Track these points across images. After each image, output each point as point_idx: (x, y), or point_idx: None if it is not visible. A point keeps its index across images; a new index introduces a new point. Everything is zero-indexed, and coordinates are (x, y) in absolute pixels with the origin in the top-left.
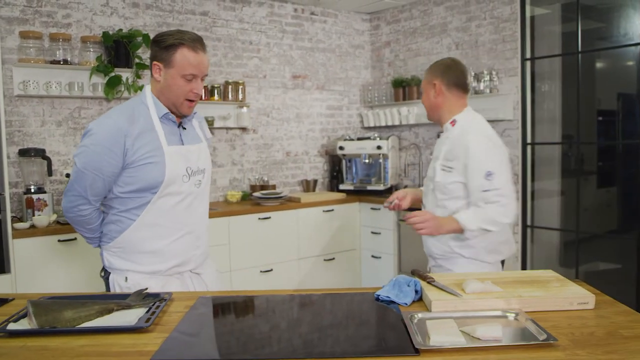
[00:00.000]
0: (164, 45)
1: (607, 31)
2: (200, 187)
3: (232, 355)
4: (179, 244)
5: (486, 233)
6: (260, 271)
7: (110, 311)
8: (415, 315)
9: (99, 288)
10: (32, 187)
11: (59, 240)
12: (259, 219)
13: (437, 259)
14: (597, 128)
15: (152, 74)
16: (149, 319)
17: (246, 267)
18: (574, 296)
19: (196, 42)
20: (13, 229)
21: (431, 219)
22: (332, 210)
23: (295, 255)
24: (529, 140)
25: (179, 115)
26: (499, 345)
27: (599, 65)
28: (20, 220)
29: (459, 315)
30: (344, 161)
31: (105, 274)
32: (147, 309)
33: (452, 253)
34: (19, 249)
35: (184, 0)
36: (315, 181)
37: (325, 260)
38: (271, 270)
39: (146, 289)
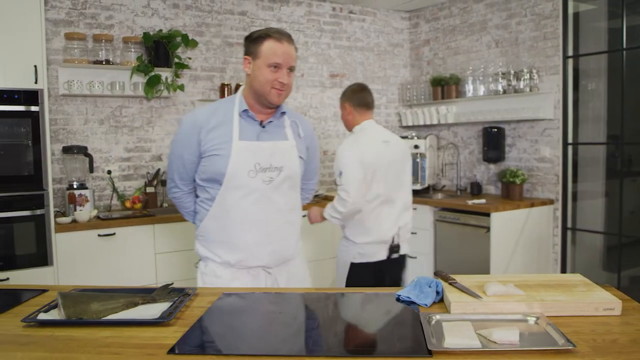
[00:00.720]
0: (252, 38)
1: None
2: (271, 184)
3: (248, 350)
4: (245, 238)
5: (351, 219)
6: None
7: (135, 304)
8: (433, 317)
9: (135, 281)
10: (74, 183)
11: (98, 235)
12: None
13: None
14: None
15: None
16: (170, 313)
17: None
18: (599, 301)
19: (282, 35)
20: (56, 223)
21: (312, 210)
22: None
23: (330, 253)
24: (570, 140)
25: (269, 106)
26: (514, 350)
27: None
28: (63, 214)
29: (477, 317)
30: None
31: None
32: (171, 303)
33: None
34: (61, 242)
35: (222, 0)
36: None
37: None
38: None
39: (172, 283)
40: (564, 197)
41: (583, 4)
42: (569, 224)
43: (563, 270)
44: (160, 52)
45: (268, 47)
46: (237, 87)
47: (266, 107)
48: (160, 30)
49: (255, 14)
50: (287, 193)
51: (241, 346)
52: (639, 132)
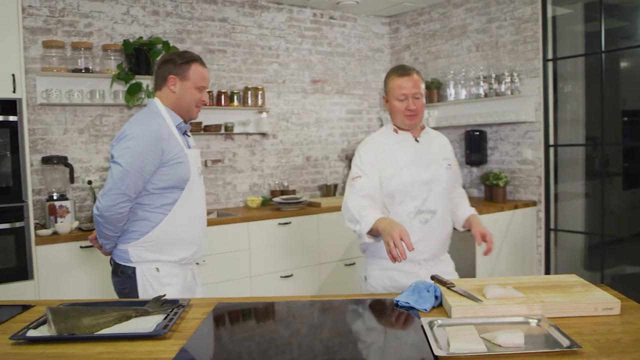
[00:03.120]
0: (180, 62)
1: (631, 30)
2: (203, 182)
3: None
4: (198, 232)
5: None
6: (281, 276)
7: (128, 318)
8: (435, 322)
9: None
10: (54, 194)
11: (80, 247)
12: (279, 224)
13: None
14: (623, 129)
15: (162, 87)
16: (166, 325)
17: (266, 273)
18: (598, 301)
19: (202, 60)
20: (36, 235)
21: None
22: None
23: (316, 260)
24: (551, 142)
25: (185, 122)
26: (520, 353)
27: (623, 64)
28: (43, 227)
29: (479, 321)
30: None
31: (126, 269)
32: (165, 315)
33: None
34: (41, 255)
35: (203, 7)
36: (336, 186)
37: (346, 265)
38: (291, 275)
39: (164, 295)
40: (547, 198)
41: (559, 8)
42: (552, 225)
43: (547, 271)
44: (140, 60)
45: (196, 70)
46: (220, 94)
47: (184, 120)
48: (141, 38)
49: (236, 20)
50: None
51: (240, 357)
52: (616, 134)
